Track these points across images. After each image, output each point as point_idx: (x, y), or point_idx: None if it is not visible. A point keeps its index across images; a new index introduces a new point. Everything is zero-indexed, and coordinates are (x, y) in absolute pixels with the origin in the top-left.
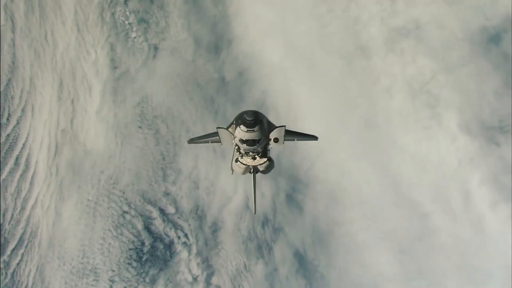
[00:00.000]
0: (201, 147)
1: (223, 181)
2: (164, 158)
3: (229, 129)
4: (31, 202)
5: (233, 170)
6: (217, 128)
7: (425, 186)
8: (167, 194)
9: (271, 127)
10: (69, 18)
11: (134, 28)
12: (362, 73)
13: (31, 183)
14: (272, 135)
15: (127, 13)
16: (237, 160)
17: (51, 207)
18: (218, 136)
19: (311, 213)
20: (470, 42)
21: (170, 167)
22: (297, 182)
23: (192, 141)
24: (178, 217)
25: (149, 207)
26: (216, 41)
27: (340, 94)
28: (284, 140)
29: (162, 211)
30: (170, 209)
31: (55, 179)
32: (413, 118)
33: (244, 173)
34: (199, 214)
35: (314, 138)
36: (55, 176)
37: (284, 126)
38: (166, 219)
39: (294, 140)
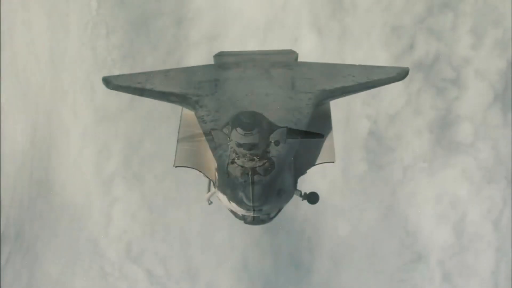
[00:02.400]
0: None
1: None
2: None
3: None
4: None
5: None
6: (211, 130)
7: None
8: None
9: (272, 128)
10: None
11: (118, 65)
12: None
13: None
14: (273, 137)
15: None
16: (233, 162)
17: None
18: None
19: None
20: None
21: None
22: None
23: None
24: (167, 280)
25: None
26: None
27: None
28: (286, 139)
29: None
30: (159, 271)
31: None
32: None
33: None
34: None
35: (320, 136)
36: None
37: (286, 127)
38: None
39: (297, 138)
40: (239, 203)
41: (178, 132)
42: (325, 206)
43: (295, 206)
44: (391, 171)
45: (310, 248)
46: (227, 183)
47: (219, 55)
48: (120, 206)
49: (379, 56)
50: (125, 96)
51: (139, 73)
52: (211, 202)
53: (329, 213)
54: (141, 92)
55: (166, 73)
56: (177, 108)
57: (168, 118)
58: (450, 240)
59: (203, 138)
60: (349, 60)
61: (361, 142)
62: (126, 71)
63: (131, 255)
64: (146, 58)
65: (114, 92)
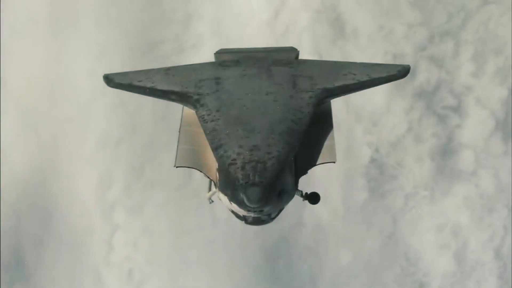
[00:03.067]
0: None
1: None
2: None
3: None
4: None
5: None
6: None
7: None
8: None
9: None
10: None
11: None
12: None
13: None
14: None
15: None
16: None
17: None
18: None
19: None
20: None
21: None
22: None
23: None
24: None
25: None
26: None
27: None
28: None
29: None
30: None
31: None
32: None
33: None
34: None
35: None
36: None
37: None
38: None
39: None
40: (240, 204)
41: (179, 132)
42: (326, 234)
43: (296, 234)
44: (392, 199)
45: (311, 276)
46: (228, 184)
47: (219, 53)
48: (121, 233)
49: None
50: (126, 123)
51: (140, 71)
52: (212, 201)
53: (331, 241)
54: (142, 90)
55: (167, 71)
56: (179, 107)
57: (169, 144)
58: (452, 268)
59: (204, 137)
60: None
61: (362, 169)
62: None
63: (132, 283)
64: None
65: (115, 118)
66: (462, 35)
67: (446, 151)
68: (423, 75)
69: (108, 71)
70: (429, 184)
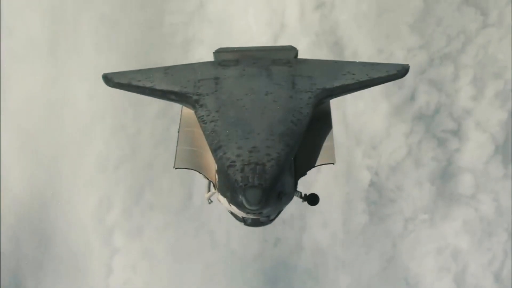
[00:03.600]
0: None
1: None
2: None
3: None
4: None
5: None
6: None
7: None
8: None
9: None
10: None
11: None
12: None
13: None
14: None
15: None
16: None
17: None
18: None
19: None
20: None
21: None
22: None
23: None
24: None
25: None
26: None
27: None
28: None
29: None
30: None
31: None
32: None
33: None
34: None
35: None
36: None
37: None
38: None
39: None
40: (239, 206)
41: (178, 132)
42: (326, 257)
43: (296, 257)
44: (392, 222)
45: None
46: (227, 186)
47: (218, 52)
48: (121, 257)
49: (380, 107)
50: (126, 146)
51: (139, 70)
52: (211, 201)
53: (330, 264)
54: (141, 90)
55: (166, 70)
56: (178, 110)
57: (169, 168)
58: None
59: (203, 138)
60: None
61: (362, 193)
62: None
63: None
64: (146, 108)
65: (115, 141)
66: (461, 58)
67: (445, 175)
68: (422, 98)
69: (108, 94)
70: (429, 207)
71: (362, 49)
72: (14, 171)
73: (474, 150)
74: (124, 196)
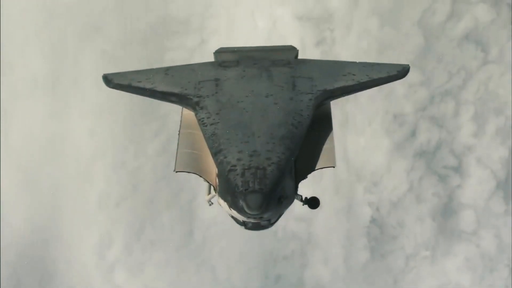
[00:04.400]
0: None
1: None
2: None
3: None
4: None
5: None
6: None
7: None
8: None
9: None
10: None
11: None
12: None
13: None
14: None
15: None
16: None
17: None
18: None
19: None
20: None
21: None
22: None
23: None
24: None
25: None
26: None
27: None
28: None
29: None
30: None
31: None
32: None
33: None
34: None
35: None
36: None
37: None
38: None
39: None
40: (240, 211)
41: (179, 134)
42: None
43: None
44: (393, 259)
45: None
46: (227, 190)
47: (219, 52)
48: None
49: (381, 143)
50: (126, 183)
51: (140, 71)
52: (212, 203)
53: None
54: (141, 91)
55: (166, 71)
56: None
57: (169, 205)
58: None
59: (204, 140)
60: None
61: (363, 229)
62: None
63: None
64: (147, 145)
65: (115, 178)
66: (462, 94)
67: (447, 211)
68: (423, 135)
69: (109, 131)
70: (430, 244)
71: None
72: (14, 208)
73: (475, 186)
74: (125, 232)
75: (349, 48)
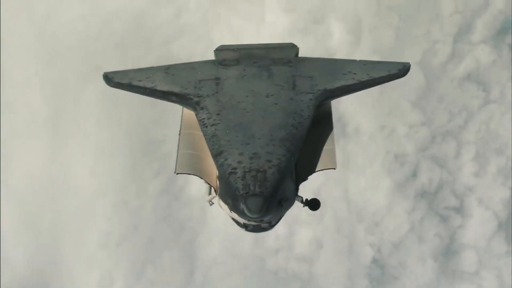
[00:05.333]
0: None
1: None
2: None
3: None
4: None
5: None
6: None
7: None
8: None
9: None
10: None
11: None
12: None
13: None
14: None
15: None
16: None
17: None
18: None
19: None
20: None
21: None
22: None
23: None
24: None
25: None
26: None
27: None
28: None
29: None
30: None
31: None
32: None
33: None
34: None
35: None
36: None
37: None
38: None
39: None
40: (241, 214)
41: (179, 135)
42: None
43: None
44: None
45: None
46: (228, 193)
47: (219, 50)
48: None
49: (382, 184)
50: (127, 222)
51: (140, 69)
52: (212, 203)
53: None
54: (142, 90)
55: (166, 70)
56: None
57: (170, 244)
58: None
59: (204, 141)
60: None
61: (365, 270)
62: None
63: None
64: (148, 184)
65: (117, 217)
66: (464, 135)
67: (448, 252)
68: (425, 175)
69: (110, 171)
70: (432, 285)
71: (364, 125)
72: (15, 248)
73: (477, 227)
74: (125, 272)
75: None
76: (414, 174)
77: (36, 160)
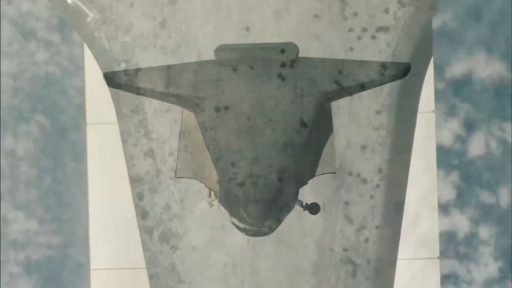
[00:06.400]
0: None
1: None
2: None
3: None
4: None
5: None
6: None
7: None
8: None
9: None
10: None
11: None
12: None
13: None
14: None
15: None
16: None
17: None
18: None
19: None
20: None
21: None
22: None
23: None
24: None
25: None
26: None
27: None
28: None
29: None
30: None
31: None
32: None
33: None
34: None
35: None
36: None
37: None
38: None
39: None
40: (241, 219)
41: (179, 137)
42: None
43: None
44: None
45: None
46: (228, 199)
47: (220, 50)
48: None
49: None
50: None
51: (140, 69)
52: (212, 205)
53: None
54: (142, 91)
55: (167, 69)
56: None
57: None
58: None
59: (204, 144)
60: None
61: None
62: None
63: None
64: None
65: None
66: None
67: None
68: (425, 224)
69: (111, 218)
70: None
71: (365, 173)
72: None
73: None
74: None
75: None
76: (414, 224)
77: None
